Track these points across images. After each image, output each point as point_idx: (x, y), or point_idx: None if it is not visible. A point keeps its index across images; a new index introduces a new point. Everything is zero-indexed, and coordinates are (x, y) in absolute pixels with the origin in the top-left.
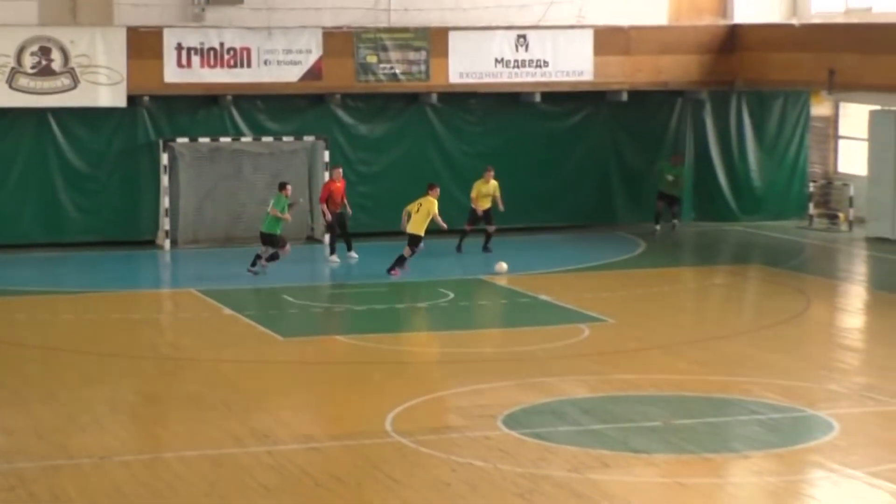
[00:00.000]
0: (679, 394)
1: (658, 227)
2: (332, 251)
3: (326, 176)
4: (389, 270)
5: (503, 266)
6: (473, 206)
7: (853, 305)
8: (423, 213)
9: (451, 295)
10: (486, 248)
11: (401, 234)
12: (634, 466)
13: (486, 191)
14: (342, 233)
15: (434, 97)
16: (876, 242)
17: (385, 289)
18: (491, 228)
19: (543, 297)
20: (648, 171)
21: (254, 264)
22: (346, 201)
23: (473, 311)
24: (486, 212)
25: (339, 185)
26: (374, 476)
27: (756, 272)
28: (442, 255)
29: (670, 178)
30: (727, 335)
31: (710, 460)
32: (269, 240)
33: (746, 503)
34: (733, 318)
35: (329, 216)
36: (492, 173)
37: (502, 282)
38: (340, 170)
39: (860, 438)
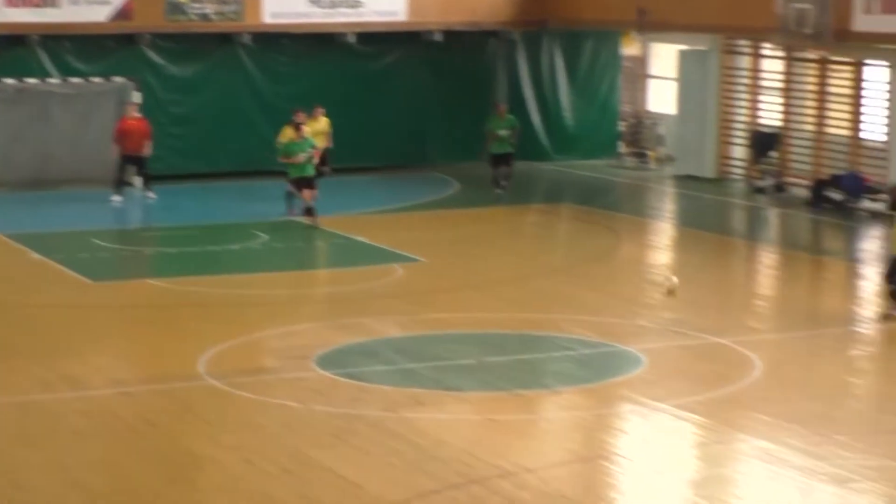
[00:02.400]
0: (492, 332)
1: (500, 192)
2: (119, 192)
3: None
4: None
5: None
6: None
7: (662, 242)
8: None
9: (265, 236)
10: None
11: (213, 175)
12: (448, 404)
13: (318, 128)
14: (139, 172)
15: (247, 37)
16: (684, 180)
17: (197, 231)
18: (326, 169)
19: (358, 237)
20: (463, 112)
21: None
22: (149, 141)
23: (287, 253)
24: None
25: (132, 123)
26: (187, 419)
27: (568, 211)
28: (258, 198)
29: (503, 132)
30: (539, 273)
31: (523, 396)
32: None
33: (558, 438)
34: (545, 257)
35: (119, 154)
36: (321, 110)
37: (314, 216)
38: (134, 108)
39: (667, 372)
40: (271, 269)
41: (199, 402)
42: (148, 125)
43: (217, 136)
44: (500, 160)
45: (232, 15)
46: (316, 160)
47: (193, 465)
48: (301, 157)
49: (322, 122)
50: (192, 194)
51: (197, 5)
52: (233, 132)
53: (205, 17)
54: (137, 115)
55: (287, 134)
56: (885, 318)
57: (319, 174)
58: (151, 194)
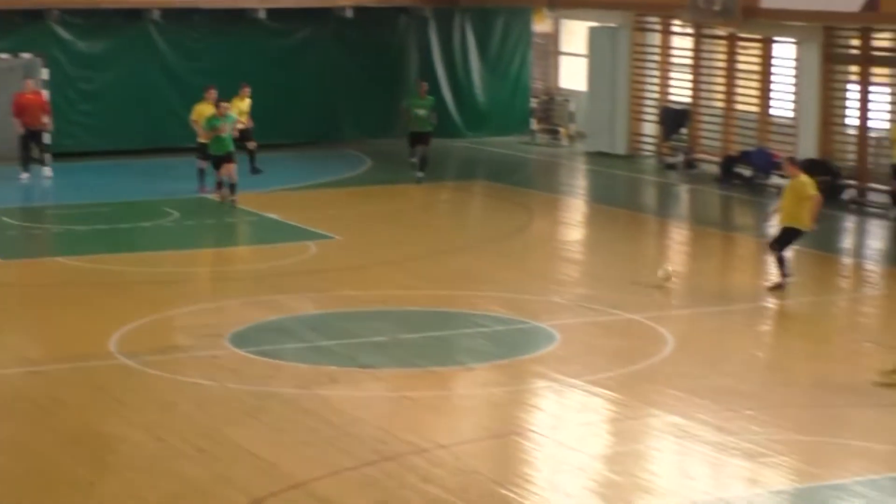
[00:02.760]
0: (405, 308)
1: (421, 175)
2: (26, 168)
3: (45, 94)
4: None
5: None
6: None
7: (574, 218)
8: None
9: (177, 214)
10: (254, 170)
11: (124, 152)
12: (362, 381)
13: (243, 108)
14: (37, 147)
15: (157, 13)
16: (595, 156)
17: (108, 209)
18: (253, 144)
19: (271, 215)
20: (375, 89)
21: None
22: (47, 115)
23: (199, 230)
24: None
25: (29, 97)
26: (98, 398)
27: (481, 187)
28: (169, 175)
29: (422, 112)
30: (453, 250)
31: (436, 373)
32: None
33: (472, 414)
34: (459, 234)
35: (21, 130)
36: (248, 89)
37: (232, 194)
38: (31, 82)
39: (579, 348)
40: (183, 246)
41: (111, 381)
42: (45, 99)
43: (127, 112)
44: (419, 139)
45: None
46: (235, 135)
47: (105, 445)
48: (226, 127)
49: (246, 102)
50: (103, 171)
51: None
52: (143, 109)
53: None
54: (35, 88)
55: (201, 111)
56: (775, 287)
57: (250, 152)
58: (48, 171)
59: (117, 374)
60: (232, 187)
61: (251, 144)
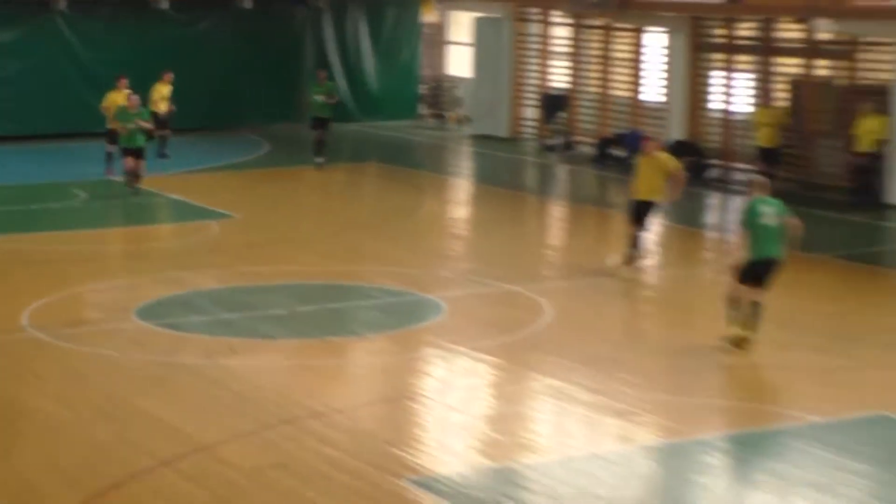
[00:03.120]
0: (303, 283)
1: (321, 161)
2: None
3: None
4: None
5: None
6: (153, 108)
7: (460, 198)
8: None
9: (85, 195)
10: (162, 154)
11: (32, 137)
12: (262, 351)
13: (164, 93)
14: None
15: (63, 4)
16: (480, 139)
17: (17, 191)
18: (167, 132)
19: (175, 196)
20: (273, 76)
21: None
22: None
23: (107, 211)
24: (164, 115)
25: None
26: (11, 370)
27: (374, 169)
28: (76, 158)
29: (320, 98)
30: (347, 228)
31: (332, 343)
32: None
33: (366, 381)
34: (353, 212)
35: None
36: (170, 76)
37: (136, 182)
38: None
39: (466, 318)
40: (92, 226)
41: (23, 353)
42: None
43: (36, 99)
44: (318, 123)
45: None
46: (147, 127)
47: (18, 413)
48: (132, 125)
49: (168, 88)
50: (11, 155)
51: None
52: (52, 96)
53: None
54: None
55: (113, 99)
56: (629, 261)
57: (162, 137)
58: None
59: (30, 346)
60: (136, 177)
61: (166, 132)
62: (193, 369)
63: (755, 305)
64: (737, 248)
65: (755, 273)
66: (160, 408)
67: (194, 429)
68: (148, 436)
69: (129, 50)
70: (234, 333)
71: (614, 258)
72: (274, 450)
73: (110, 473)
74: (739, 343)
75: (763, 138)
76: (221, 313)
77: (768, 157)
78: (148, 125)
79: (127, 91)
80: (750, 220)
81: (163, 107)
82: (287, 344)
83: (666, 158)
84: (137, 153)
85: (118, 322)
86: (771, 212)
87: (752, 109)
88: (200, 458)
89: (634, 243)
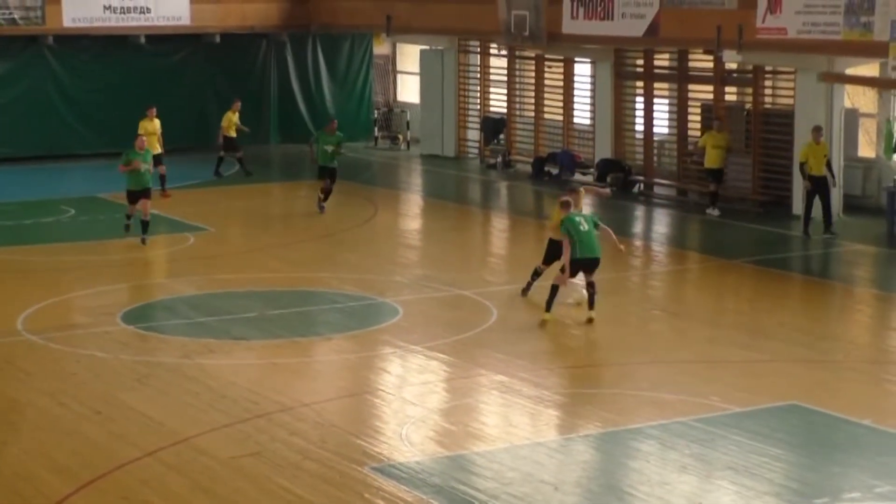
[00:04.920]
0: (272, 289)
1: (323, 206)
2: None
3: None
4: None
5: None
6: (225, 133)
7: (412, 211)
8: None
9: (73, 211)
10: (247, 173)
11: (22, 158)
12: (235, 351)
13: (234, 120)
14: None
15: (50, 39)
16: (428, 158)
17: (11, 207)
18: (240, 153)
19: (153, 210)
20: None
21: None
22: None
23: (93, 225)
24: (236, 139)
25: None
26: (6, 370)
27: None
28: (63, 178)
29: (329, 148)
30: (311, 238)
31: (299, 343)
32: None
33: (330, 377)
34: (315, 224)
35: None
36: (238, 104)
37: (118, 199)
38: None
39: (420, 320)
40: (80, 238)
41: (19, 354)
42: None
43: (25, 124)
44: (326, 173)
45: (36, 20)
46: (150, 170)
47: (14, 409)
48: (140, 165)
49: (156, 123)
50: (5, 175)
51: (5, 11)
52: (40, 121)
53: (12, 21)
54: None
55: (144, 126)
56: (525, 290)
57: (240, 161)
58: None
59: (23, 348)
60: (144, 225)
61: (240, 153)
62: (174, 368)
63: (590, 286)
64: (566, 251)
65: (584, 268)
66: (144, 403)
67: (175, 422)
68: (132, 429)
69: (111, 80)
70: (210, 335)
71: (574, 294)
72: (248, 441)
73: (99, 464)
74: (587, 321)
75: (710, 160)
76: (199, 317)
77: (716, 177)
78: (147, 166)
79: (157, 120)
80: (573, 230)
81: (232, 132)
82: (259, 344)
83: (556, 216)
84: (145, 194)
85: (105, 325)
86: (584, 221)
87: (701, 135)
88: (181, 449)
89: (533, 280)
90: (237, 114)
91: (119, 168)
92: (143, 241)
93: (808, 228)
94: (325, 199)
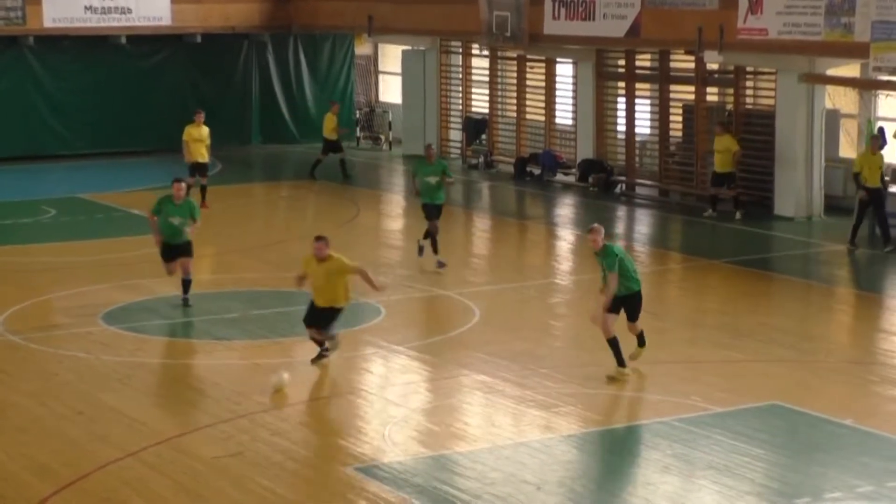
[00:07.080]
0: (254, 289)
1: (441, 262)
2: None
3: None
4: None
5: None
6: (326, 135)
7: (394, 211)
8: None
9: (53, 212)
10: (346, 176)
11: (4, 159)
12: (218, 351)
13: (334, 122)
14: None
15: (31, 40)
16: (410, 158)
17: None
18: (343, 154)
19: (134, 210)
20: (221, 102)
21: None
22: None
23: (74, 225)
24: (336, 141)
25: None
26: None
27: (315, 186)
28: (44, 178)
29: (433, 180)
30: (293, 239)
31: (281, 343)
32: None
33: (313, 378)
34: (297, 225)
35: None
36: (337, 107)
37: (99, 199)
38: None
39: (402, 320)
40: (60, 239)
41: (0, 355)
42: None
43: (6, 124)
44: (432, 211)
45: (17, 20)
46: (191, 230)
47: None
48: (175, 220)
49: (203, 130)
50: None
51: None
52: (20, 121)
53: None
54: None
55: (190, 133)
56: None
57: (342, 163)
58: None
59: (4, 349)
60: (186, 285)
61: (342, 154)
62: (156, 368)
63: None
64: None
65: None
66: (126, 403)
67: (157, 422)
68: (114, 429)
69: (92, 80)
70: (193, 336)
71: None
72: (230, 441)
73: (81, 464)
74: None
75: (719, 164)
76: (180, 317)
77: (724, 181)
78: (182, 220)
79: (205, 127)
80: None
81: (334, 135)
82: (240, 344)
83: (341, 263)
84: (185, 251)
85: (86, 326)
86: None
87: (715, 140)
88: (163, 449)
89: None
90: (335, 117)
91: (148, 217)
92: (186, 303)
93: (855, 239)
94: (432, 243)
